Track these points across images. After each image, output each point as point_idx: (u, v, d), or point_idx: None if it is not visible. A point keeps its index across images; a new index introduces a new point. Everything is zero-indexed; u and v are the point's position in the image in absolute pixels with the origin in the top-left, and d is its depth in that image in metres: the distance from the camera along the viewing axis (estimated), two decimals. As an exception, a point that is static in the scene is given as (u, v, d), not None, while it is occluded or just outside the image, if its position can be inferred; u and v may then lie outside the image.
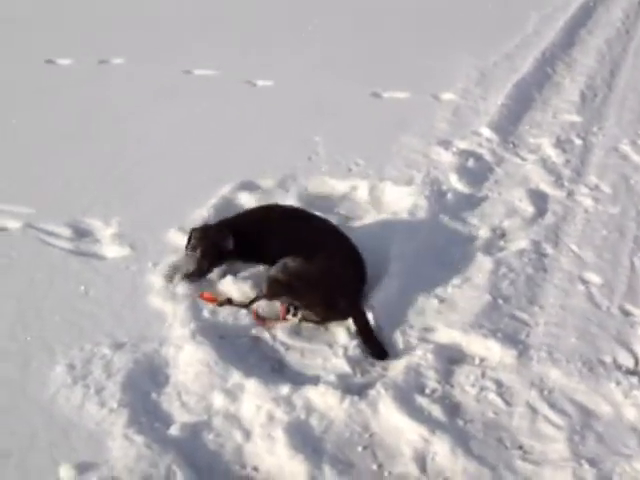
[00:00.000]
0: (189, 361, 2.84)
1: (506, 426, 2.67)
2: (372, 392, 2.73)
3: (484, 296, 3.33)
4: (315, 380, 2.84)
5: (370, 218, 3.98)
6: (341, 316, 3.15)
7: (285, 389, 2.70)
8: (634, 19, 8.95)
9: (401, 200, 4.14)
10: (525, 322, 3.21)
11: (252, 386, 2.71)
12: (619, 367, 2.92)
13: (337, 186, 4.37)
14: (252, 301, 3.21)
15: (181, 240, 3.58)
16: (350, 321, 3.13)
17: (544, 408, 2.73)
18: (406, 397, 2.73)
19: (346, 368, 2.90)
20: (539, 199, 4.29)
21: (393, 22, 8.40)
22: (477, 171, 4.62)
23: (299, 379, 2.86)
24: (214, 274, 3.38)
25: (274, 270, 3.20)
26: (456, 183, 4.39)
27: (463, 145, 4.93)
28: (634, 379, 2.82)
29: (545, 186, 4.46)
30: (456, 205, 4.17)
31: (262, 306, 3.20)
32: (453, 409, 2.74)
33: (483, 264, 3.59)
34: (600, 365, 2.91)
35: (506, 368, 2.94)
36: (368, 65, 6.70)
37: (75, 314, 3.14)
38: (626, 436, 2.60)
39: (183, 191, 4.20)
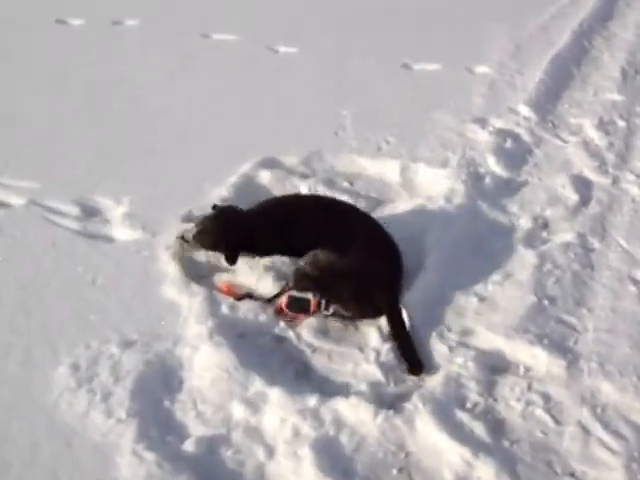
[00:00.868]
0: (206, 365, 2.57)
1: (556, 448, 2.39)
2: (408, 406, 2.46)
3: (528, 296, 3.04)
4: (345, 389, 2.57)
5: (402, 203, 3.67)
6: (375, 314, 2.88)
7: (313, 400, 2.42)
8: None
9: (436, 184, 3.84)
10: (573, 327, 2.92)
11: (276, 396, 2.44)
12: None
13: (366, 165, 4.06)
14: (276, 295, 2.93)
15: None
16: (382, 321, 2.86)
17: (597, 429, 2.45)
18: (446, 412, 2.46)
19: (378, 375, 2.62)
20: (582, 186, 3.97)
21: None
22: (515, 153, 4.30)
23: (327, 387, 2.59)
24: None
25: (303, 263, 2.92)
26: (494, 166, 4.07)
27: (499, 124, 4.61)
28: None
29: (589, 172, 4.13)
30: (494, 190, 3.86)
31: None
32: (497, 427, 2.46)
33: (526, 258, 3.29)
34: (658, 380, 2.63)
35: (554, 380, 2.65)
36: (398, 33, 6.33)
37: (81, 304, 2.87)
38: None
39: (201, 168, 3.90)
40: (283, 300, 2.88)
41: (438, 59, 5.65)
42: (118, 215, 3.48)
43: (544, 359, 2.71)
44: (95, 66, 5.53)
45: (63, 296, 2.92)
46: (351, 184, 3.89)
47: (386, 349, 2.74)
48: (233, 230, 3.05)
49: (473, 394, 2.57)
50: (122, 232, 3.36)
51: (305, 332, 2.82)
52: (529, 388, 2.62)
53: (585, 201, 3.83)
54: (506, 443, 2.40)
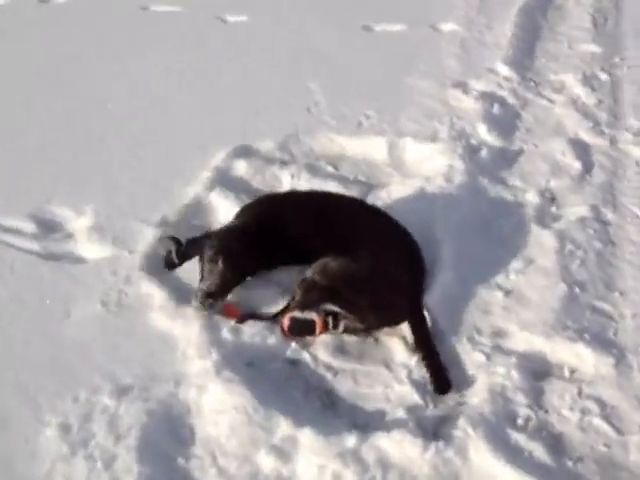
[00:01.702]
0: (219, 407, 2.20)
1: (623, 463, 2.15)
2: (457, 433, 2.16)
3: (558, 285, 2.76)
4: (379, 417, 2.26)
5: (396, 186, 3.32)
6: (396, 322, 2.55)
7: (351, 440, 2.09)
8: None
9: (429, 161, 3.50)
10: (609, 315, 2.66)
11: (307, 439, 2.10)
12: None
13: (347, 145, 3.69)
14: (281, 311, 2.57)
15: (174, 229, 2.92)
16: (403, 327, 2.54)
17: (662, 434, 2.21)
18: (499, 435, 2.17)
19: (415, 397, 2.32)
20: (581, 151, 3.69)
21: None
22: (504, 119, 3.98)
23: (359, 416, 2.27)
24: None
25: (311, 272, 2.56)
26: (485, 135, 3.75)
27: (480, 86, 4.28)
28: None
29: (584, 134, 3.85)
30: (492, 163, 3.56)
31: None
32: (555, 444, 2.20)
33: (543, 240, 3.01)
34: None
35: (604, 381, 2.39)
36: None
37: (56, 347, 2.44)
38: None
39: (166, 165, 3.46)
40: (284, 322, 2.52)
41: (400, 19, 5.24)
42: (82, 228, 3.03)
43: (589, 358, 2.46)
44: (24, 50, 4.93)
45: (33, 339, 2.48)
46: (336, 168, 3.52)
47: (415, 363, 2.43)
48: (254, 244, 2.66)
49: (522, 408, 2.30)
50: (90, 249, 2.92)
51: (321, 352, 2.49)
52: (579, 394, 2.36)
53: (588, 168, 3.56)
54: (569, 463, 2.15)
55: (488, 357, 2.46)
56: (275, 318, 2.56)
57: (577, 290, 2.75)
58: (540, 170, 3.53)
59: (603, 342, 2.51)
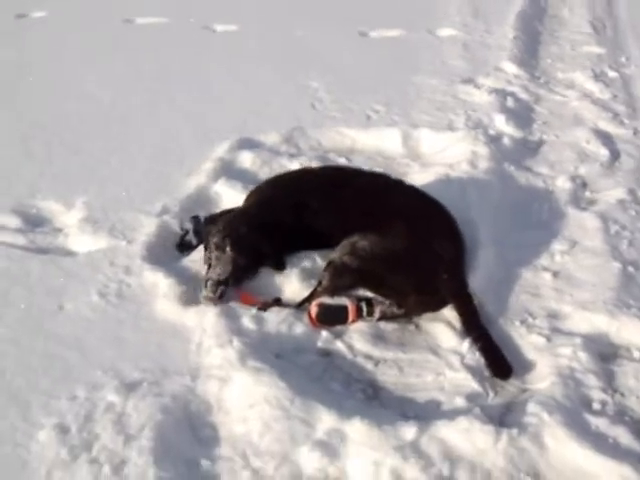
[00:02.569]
0: (247, 401, 1.84)
1: None
2: (529, 420, 1.83)
3: (611, 263, 2.48)
4: (434, 408, 1.93)
5: (418, 174, 3.04)
6: (438, 305, 2.24)
7: (410, 431, 1.75)
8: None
9: (448, 149, 3.25)
10: (669, 294, 2.38)
11: (357, 432, 1.75)
12: None
13: (357, 137, 3.42)
14: (307, 299, 2.24)
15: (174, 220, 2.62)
16: (446, 312, 2.23)
17: None
18: (578, 421, 1.85)
19: (473, 385, 1.99)
20: (606, 140, 3.49)
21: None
22: (519, 112, 3.77)
23: (410, 409, 1.94)
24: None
25: (338, 253, 2.24)
26: (503, 126, 3.53)
27: (490, 82, 4.08)
28: None
29: (605, 125, 3.68)
30: (515, 152, 3.33)
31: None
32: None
33: (584, 222, 2.75)
34: None
35: (676, 359, 2.11)
36: (347, 3, 5.70)
37: (48, 342, 2.08)
38: None
39: (166, 157, 3.21)
40: (312, 310, 2.19)
41: (395, 25, 5.08)
42: (73, 222, 2.69)
43: (660, 337, 2.16)
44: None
45: (25, 334, 2.12)
46: (348, 160, 3.24)
47: (467, 348, 2.11)
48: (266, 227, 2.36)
49: (596, 391, 1.99)
50: (83, 242, 2.59)
51: (357, 341, 2.15)
52: (655, 375, 2.05)
53: (615, 155, 3.36)
54: (662, 451, 1.82)
55: (548, 339, 2.16)
56: (300, 306, 2.23)
57: (631, 269, 2.48)
58: (567, 158, 3.33)
59: (670, 321, 2.22)
